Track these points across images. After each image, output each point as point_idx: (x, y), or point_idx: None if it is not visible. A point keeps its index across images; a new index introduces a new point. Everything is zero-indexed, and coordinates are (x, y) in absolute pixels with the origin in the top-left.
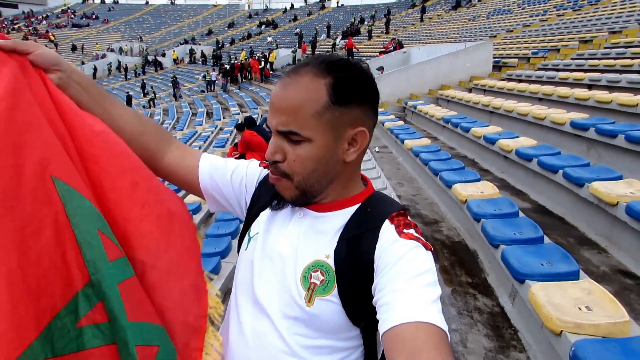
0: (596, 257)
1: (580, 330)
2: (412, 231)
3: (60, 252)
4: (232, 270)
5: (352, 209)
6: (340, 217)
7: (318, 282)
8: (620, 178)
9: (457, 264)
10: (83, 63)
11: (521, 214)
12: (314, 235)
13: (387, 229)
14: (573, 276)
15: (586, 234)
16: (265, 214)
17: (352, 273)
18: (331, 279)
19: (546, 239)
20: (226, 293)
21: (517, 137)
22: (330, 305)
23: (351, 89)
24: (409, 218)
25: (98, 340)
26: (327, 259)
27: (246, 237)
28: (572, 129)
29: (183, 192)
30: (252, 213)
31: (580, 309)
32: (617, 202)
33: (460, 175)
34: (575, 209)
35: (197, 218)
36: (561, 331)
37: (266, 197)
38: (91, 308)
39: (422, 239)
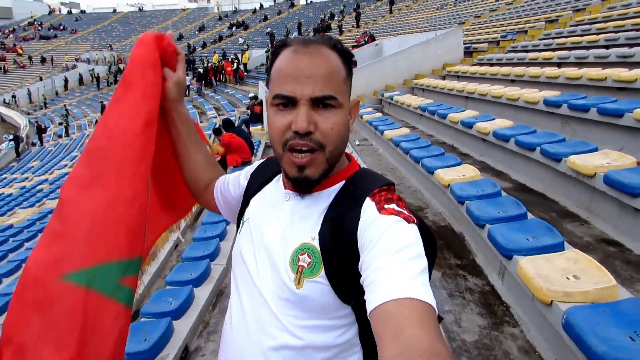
0: (579, 228)
1: (570, 299)
2: (392, 206)
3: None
4: (222, 272)
5: (337, 188)
6: (325, 197)
7: (305, 265)
8: (595, 150)
9: (445, 248)
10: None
11: (503, 193)
12: (301, 217)
13: (368, 207)
14: (558, 248)
15: (567, 207)
16: (256, 200)
17: (337, 254)
18: (317, 261)
19: (529, 215)
20: (218, 295)
21: (494, 119)
22: (318, 286)
23: (351, 66)
24: (393, 192)
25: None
26: (312, 241)
27: (241, 223)
28: (545, 107)
29: None
30: (245, 200)
31: (568, 278)
32: (595, 173)
33: (441, 161)
34: (555, 184)
35: (182, 222)
36: (552, 301)
37: (257, 184)
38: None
39: (404, 212)
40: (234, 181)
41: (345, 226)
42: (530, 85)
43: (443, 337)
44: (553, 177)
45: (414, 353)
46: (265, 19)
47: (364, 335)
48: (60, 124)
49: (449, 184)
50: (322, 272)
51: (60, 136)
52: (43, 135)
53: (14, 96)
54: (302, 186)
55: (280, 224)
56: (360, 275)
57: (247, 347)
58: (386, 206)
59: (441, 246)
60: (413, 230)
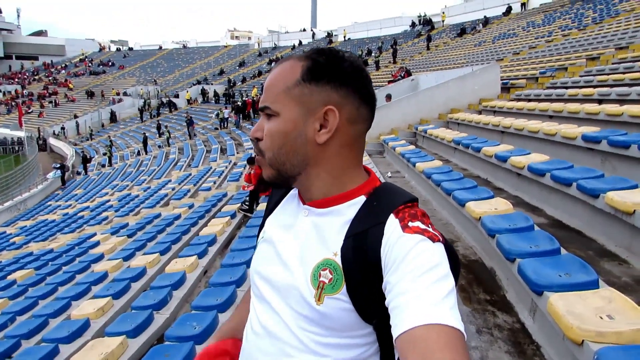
0: (617, 268)
1: (602, 339)
2: (417, 224)
3: None
4: None
5: (358, 202)
6: (345, 212)
7: (327, 281)
8: (635, 187)
9: (475, 282)
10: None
11: (536, 228)
12: (321, 232)
13: (392, 224)
14: (592, 285)
15: (605, 246)
16: (272, 218)
17: (359, 271)
18: (339, 278)
19: (563, 251)
20: None
21: (529, 153)
22: (339, 303)
23: (324, 68)
24: (418, 207)
25: None
26: (334, 257)
27: (257, 243)
28: (584, 142)
29: (199, 225)
30: (262, 222)
31: (601, 317)
32: (634, 211)
33: (473, 194)
34: (592, 221)
35: (212, 250)
36: (583, 340)
37: (273, 203)
38: None
39: (430, 230)
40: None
41: (369, 243)
42: (569, 121)
43: None
44: (590, 214)
45: None
46: None
47: (386, 358)
48: (105, 154)
49: (480, 217)
50: (344, 289)
51: (103, 165)
52: (88, 164)
53: (62, 128)
54: (265, 183)
55: (300, 239)
56: (383, 295)
57: None
58: (410, 224)
59: (471, 281)
60: (438, 250)
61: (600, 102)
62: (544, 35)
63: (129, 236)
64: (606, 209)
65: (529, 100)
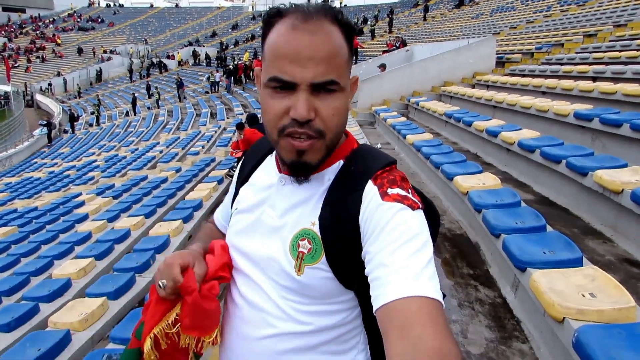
0: (601, 246)
1: (583, 317)
2: (397, 190)
3: None
4: None
5: (335, 168)
6: (324, 179)
7: (306, 251)
8: (625, 166)
9: (459, 257)
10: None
11: (523, 204)
12: (299, 202)
13: (370, 191)
14: (576, 263)
15: (591, 224)
16: (247, 187)
17: (338, 240)
18: (318, 247)
19: (549, 228)
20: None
21: (520, 129)
22: (319, 272)
23: (352, 40)
24: (396, 170)
25: None
26: (312, 226)
27: (232, 213)
28: (575, 120)
29: (185, 189)
30: (236, 192)
31: (583, 295)
32: (622, 190)
33: (462, 168)
34: (579, 199)
35: (198, 215)
36: (564, 318)
37: (247, 170)
38: None
39: (409, 196)
40: (228, 199)
41: (347, 211)
42: (562, 98)
43: (452, 334)
44: (578, 191)
45: (421, 352)
46: None
47: (368, 320)
48: (92, 113)
49: (467, 191)
50: (323, 258)
51: (91, 125)
52: (75, 123)
53: (50, 84)
54: (300, 171)
55: (277, 209)
56: (362, 262)
57: (248, 340)
58: (389, 191)
59: (455, 255)
60: (418, 218)
61: (594, 79)
62: (542, 10)
63: (115, 197)
64: (594, 187)
65: (523, 76)
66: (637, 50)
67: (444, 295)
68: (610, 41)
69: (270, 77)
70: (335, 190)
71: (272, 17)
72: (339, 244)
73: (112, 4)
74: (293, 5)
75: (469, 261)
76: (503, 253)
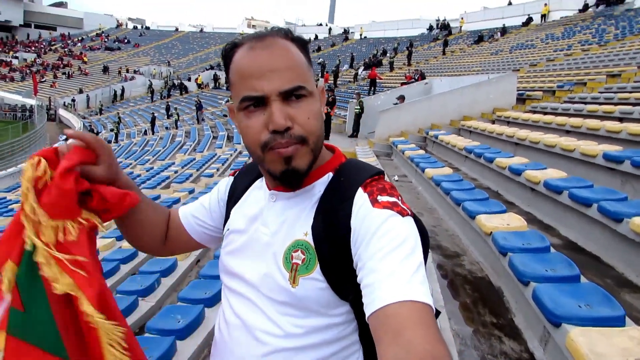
0: (639, 301)
1: None
2: (386, 198)
3: None
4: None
5: (325, 180)
6: (314, 191)
7: (300, 262)
8: None
9: (480, 302)
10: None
11: (552, 250)
12: (290, 215)
13: (361, 198)
14: (618, 322)
15: (625, 275)
16: (237, 209)
17: (331, 248)
18: (312, 257)
19: (582, 279)
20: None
21: (545, 168)
22: (314, 283)
23: (308, 52)
24: (384, 180)
25: None
26: (305, 236)
27: (224, 235)
28: (604, 161)
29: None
30: (227, 213)
31: None
32: None
33: (484, 206)
34: (612, 246)
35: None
36: None
37: (237, 193)
38: None
39: (399, 203)
40: (212, 201)
41: (338, 219)
42: (588, 137)
43: (442, 337)
44: (610, 238)
45: (413, 356)
46: (319, 49)
47: (364, 334)
48: (112, 130)
49: (491, 232)
50: (317, 268)
51: (109, 141)
52: None
53: (73, 100)
54: (291, 179)
55: (270, 225)
56: (355, 271)
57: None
58: (380, 198)
59: (476, 300)
60: (408, 224)
61: (621, 120)
62: (563, 49)
63: None
64: (630, 235)
65: (545, 113)
66: None
67: (439, 313)
68: (635, 82)
69: (242, 98)
70: (326, 199)
71: (229, 50)
72: (332, 251)
73: (139, 26)
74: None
75: (491, 308)
76: (532, 303)
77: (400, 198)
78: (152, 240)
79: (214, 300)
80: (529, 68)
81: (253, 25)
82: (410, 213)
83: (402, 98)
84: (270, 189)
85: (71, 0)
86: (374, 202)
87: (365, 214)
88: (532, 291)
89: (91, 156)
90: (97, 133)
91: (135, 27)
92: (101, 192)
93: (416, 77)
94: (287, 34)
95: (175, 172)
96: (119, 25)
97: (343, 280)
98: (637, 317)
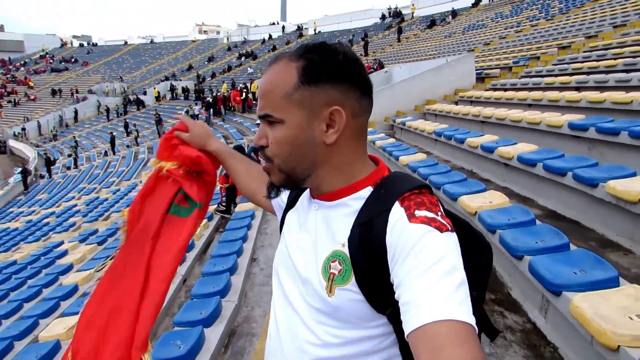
0: (623, 259)
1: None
2: (424, 213)
3: None
4: (234, 310)
5: (365, 193)
6: (352, 203)
7: (336, 272)
8: (634, 175)
9: None
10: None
11: (538, 222)
12: (330, 225)
13: (397, 212)
14: (613, 282)
15: (606, 236)
16: (289, 214)
17: (366, 261)
18: (348, 268)
19: (572, 246)
20: (230, 335)
21: (516, 143)
22: (349, 294)
23: (322, 68)
24: (428, 195)
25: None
26: (343, 248)
27: (280, 240)
28: (570, 130)
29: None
30: (283, 217)
31: (631, 318)
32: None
33: (465, 187)
34: (590, 210)
35: (190, 255)
36: (619, 346)
37: (291, 198)
38: None
39: (438, 218)
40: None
41: (374, 232)
42: (550, 109)
43: (484, 354)
44: (588, 203)
45: None
46: (274, 48)
47: (404, 348)
48: (70, 155)
49: (476, 212)
50: (353, 279)
51: (69, 168)
52: (52, 167)
53: (23, 129)
54: (272, 190)
55: (311, 233)
56: (392, 285)
57: None
58: (417, 213)
59: None
60: (446, 240)
61: (578, 89)
62: (513, 26)
63: (99, 244)
64: (607, 199)
65: (505, 90)
66: (614, 59)
67: (498, 332)
68: (584, 52)
69: None
70: (365, 212)
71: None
72: (368, 264)
73: (85, 44)
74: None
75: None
76: (529, 275)
77: (440, 213)
78: (247, 190)
79: (212, 319)
80: (483, 47)
81: (205, 31)
82: (450, 229)
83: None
84: (313, 197)
85: (8, 23)
86: (411, 217)
87: (402, 230)
88: (528, 264)
89: (184, 127)
90: (54, 161)
91: (81, 45)
92: (179, 148)
93: (375, 67)
94: (298, 53)
95: None
96: (63, 45)
97: (379, 293)
98: (625, 274)
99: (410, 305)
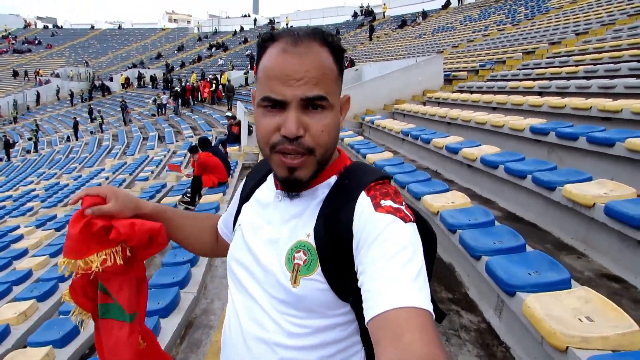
0: (577, 262)
1: (587, 345)
2: (389, 203)
3: None
4: (192, 302)
5: (329, 182)
6: (318, 193)
7: (301, 263)
8: (590, 179)
9: (435, 279)
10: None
11: (497, 223)
12: (294, 216)
13: (363, 202)
14: (565, 284)
15: (561, 239)
16: (248, 205)
17: (333, 250)
18: (314, 258)
19: (528, 248)
20: (187, 326)
21: (480, 145)
22: (315, 284)
23: (343, 59)
24: (390, 185)
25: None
26: (307, 237)
27: (234, 230)
28: (531, 134)
29: None
30: (238, 209)
31: (581, 320)
32: (594, 204)
33: (428, 187)
34: (547, 213)
35: None
36: (567, 347)
37: (249, 189)
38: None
39: (402, 209)
40: (231, 209)
41: (340, 221)
42: (513, 113)
43: (441, 342)
44: (545, 206)
45: (411, 358)
46: (246, 41)
47: (366, 335)
48: (30, 139)
49: (438, 211)
50: (319, 269)
51: (28, 152)
52: (11, 150)
53: None
54: (292, 187)
55: (274, 224)
56: (356, 273)
57: (244, 356)
58: (382, 203)
59: (430, 277)
60: (409, 230)
61: (541, 94)
62: (481, 29)
63: (57, 230)
64: (563, 202)
65: (472, 92)
66: (576, 65)
67: (445, 314)
68: (548, 57)
69: (263, 97)
70: (330, 202)
71: (265, 41)
72: (333, 253)
73: (50, 26)
74: (285, 30)
75: (445, 284)
76: (485, 275)
77: (404, 204)
78: (202, 246)
79: (169, 309)
80: (452, 49)
81: (175, 20)
82: (413, 219)
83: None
84: (277, 188)
85: None
86: (377, 206)
87: (368, 218)
88: (485, 264)
89: (97, 199)
90: (14, 143)
91: (45, 27)
92: (115, 225)
93: (346, 64)
94: (325, 39)
95: (107, 178)
96: (27, 26)
97: (344, 282)
98: (577, 277)
99: (372, 293)
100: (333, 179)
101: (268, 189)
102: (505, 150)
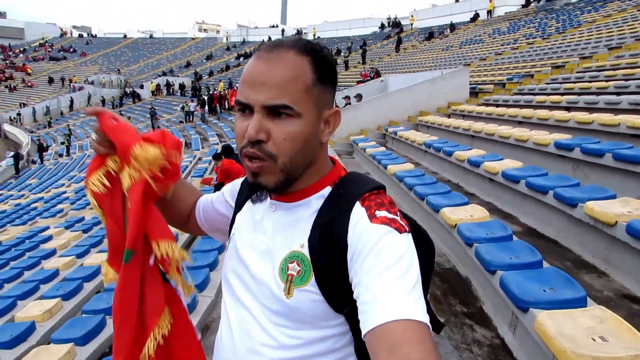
0: (597, 281)
1: None
2: (384, 213)
3: None
4: (209, 306)
5: (325, 192)
6: (312, 203)
7: (295, 273)
8: (614, 197)
9: (450, 293)
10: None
11: (515, 238)
12: (288, 226)
13: (358, 213)
14: (580, 302)
15: (582, 257)
16: (241, 214)
17: (327, 261)
18: (307, 269)
19: (545, 264)
20: (203, 330)
21: (502, 159)
22: (309, 295)
23: (330, 69)
24: (384, 195)
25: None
26: (301, 248)
27: (227, 241)
28: (556, 149)
29: None
30: (232, 218)
31: (594, 339)
32: (616, 222)
33: (448, 199)
34: (568, 230)
35: None
36: None
37: (242, 199)
38: None
39: (397, 219)
40: (219, 199)
41: (335, 231)
42: (539, 127)
43: (439, 354)
44: (567, 223)
45: None
46: None
47: (359, 347)
48: (63, 143)
49: (455, 224)
50: (313, 280)
51: (61, 155)
52: (44, 153)
53: (19, 114)
54: (260, 191)
55: (268, 234)
56: (351, 285)
57: None
58: (377, 213)
59: (446, 291)
60: (405, 241)
61: (568, 109)
62: (509, 43)
63: (84, 231)
64: (585, 219)
65: (497, 106)
66: (606, 81)
67: (442, 325)
68: (578, 72)
69: (235, 100)
70: (324, 212)
71: (254, 51)
72: (328, 264)
73: (84, 34)
74: (275, 39)
75: (461, 298)
76: (500, 290)
77: (399, 214)
78: (175, 214)
79: (204, 285)
80: (479, 62)
81: (205, 30)
82: (408, 230)
83: (359, 96)
84: (271, 198)
85: (10, 10)
86: (372, 217)
87: (363, 229)
88: (499, 279)
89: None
90: (47, 147)
91: (80, 35)
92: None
93: (372, 75)
94: (305, 47)
95: None
96: (63, 34)
97: (338, 293)
98: (596, 296)
99: (368, 305)
100: (327, 189)
101: (261, 199)
102: (529, 165)
